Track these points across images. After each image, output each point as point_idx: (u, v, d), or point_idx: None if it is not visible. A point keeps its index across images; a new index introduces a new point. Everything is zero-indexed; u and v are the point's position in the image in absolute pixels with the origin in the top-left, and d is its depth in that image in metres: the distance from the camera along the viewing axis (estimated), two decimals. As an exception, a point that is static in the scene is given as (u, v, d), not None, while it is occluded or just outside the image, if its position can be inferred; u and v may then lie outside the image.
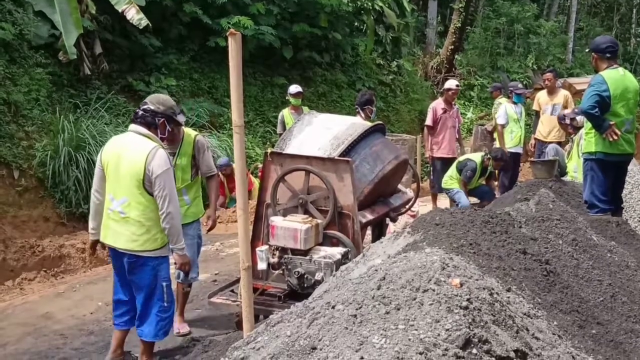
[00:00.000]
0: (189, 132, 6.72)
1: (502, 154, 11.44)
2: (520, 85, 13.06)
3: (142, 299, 5.75)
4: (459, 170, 11.23)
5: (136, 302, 5.85)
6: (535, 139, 12.66)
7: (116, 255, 5.73)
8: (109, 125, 12.30)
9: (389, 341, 2.78)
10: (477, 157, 11.39)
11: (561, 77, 18.43)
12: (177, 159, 6.51)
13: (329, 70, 19.38)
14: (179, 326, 6.86)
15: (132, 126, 5.67)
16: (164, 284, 5.73)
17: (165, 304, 5.79)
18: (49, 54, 12.66)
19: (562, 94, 12.37)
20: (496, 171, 11.87)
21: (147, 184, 5.45)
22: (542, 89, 13.56)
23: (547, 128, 12.21)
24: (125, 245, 5.57)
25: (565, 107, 11.88)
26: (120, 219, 5.55)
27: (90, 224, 5.95)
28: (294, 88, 12.45)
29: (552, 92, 12.37)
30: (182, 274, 6.24)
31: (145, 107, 5.68)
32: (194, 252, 6.78)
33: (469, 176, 11.10)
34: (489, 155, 11.35)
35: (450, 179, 11.37)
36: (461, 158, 11.62)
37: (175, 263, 5.91)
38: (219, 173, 12.67)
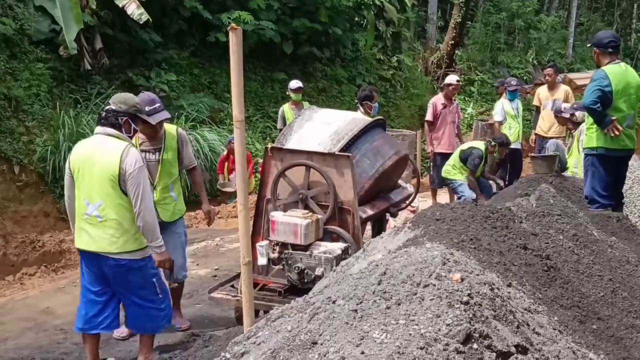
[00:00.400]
0: (169, 126, 6.72)
1: (506, 139, 11.38)
2: (513, 82, 13.02)
3: (135, 301, 5.70)
4: (463, 160, 10.98)
5: (124, 303, 5.80)
6: (535, 134, 12.66)
7: (90, 259, 5.62)
8: (109, 120, 12.29)
9: (389, 336, 2.78)
10: (481, 144, 11.14)
11: (561, 73, 18.43)
12: (163, 153, 6.50)
13: (329, 66, 19.37)
14: (179, 321, 6.86)
15: (99, 128, 5.60)
16: (154, 279, 5.68)
17: (160, 296, 5.75)
18: (49, 49, 12.65)
19: (563, 89, 12.38)
20: (493, 166, 11.84)
21: (122, 184, 5.38)
22: (542, 84, 13.56)
23: (547, 123, 12.21)
24: (104, 249, 5.46)
25: (565, 102, 11.87)
26: (98, 222, 5.45)
27: (73, 230, 5.85)
28: (295, 83, 12.44)
29: (552, 87, 12.38)
30: (168, 272, 6.20)
31: (107, 107, 5.63)
32: (183, 250, 6.78)
33: (477, 164, 10.83)
34: (493, 142, 11.19)
35: (453, 168, 11.13)
36: (464, 146, 11.37)
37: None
38: (226, 148, 12.72)
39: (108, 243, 5.45)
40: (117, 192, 5.40)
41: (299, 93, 12.33)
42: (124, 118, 5.59)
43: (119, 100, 5.65)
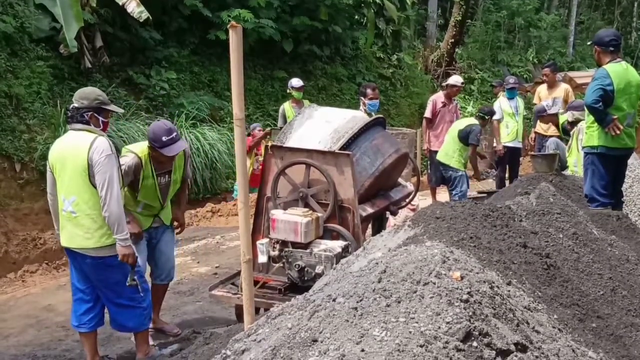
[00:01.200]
0: None
1: (491, 109, 11.59)
2: (512, 80, 13.04)
3: (116, 298, 5.70)
4: (463, 138, 10.87)
5: (107, 302, 5.79)
6: (535, 132, 12.67)
7: (74, 257, 5.65)
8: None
9: (389, 334, 2.79)
10: (474, 120, 11.16)
11: (561, 71, 18.42)
12: (173, 175, 6.51)
13: (329, 64, 19.37)
14: (167, 328, 6.84)
15: (69, 126, 5.63)
16: (135, 277, 5.66)
17: (141, 294, 5.75)
18: (49, 47, 12.66)
19: (563, 88, 12.38)
20: (493, 162, 11.87)
21: (92, 177, 5.37)
22: (542, 82, 13.57)
23: (547, 122, 12.22)
24: (81, 244, 5.48)
25: (565, 101, 11.89)
26: (73, 218, 5.47)
27: (56, 228, 5.89)
28: (297, 81, 12.44)
29: (552, 86, 12.39)
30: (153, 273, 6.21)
31: (72, 105, 5.60)
32: (172, 251, 6.83)
33: (479, 139, 10.88)
34: (482, 114, 11.23)
35: (452, 150, 11.02)
36: (459, 126, 11.16)
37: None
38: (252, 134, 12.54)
39: (83, 239, 5.46)
40: (88, 185, 5.40)
41: (300, 91, 12.34)
42: (89, 113, 5.53)
43: (80, 96, 5.60)
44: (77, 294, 5.83)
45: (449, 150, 11.12)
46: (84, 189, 5.41)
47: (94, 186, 5.38)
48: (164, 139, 6.09)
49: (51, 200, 5.80)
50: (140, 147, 6.26)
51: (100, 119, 5.60)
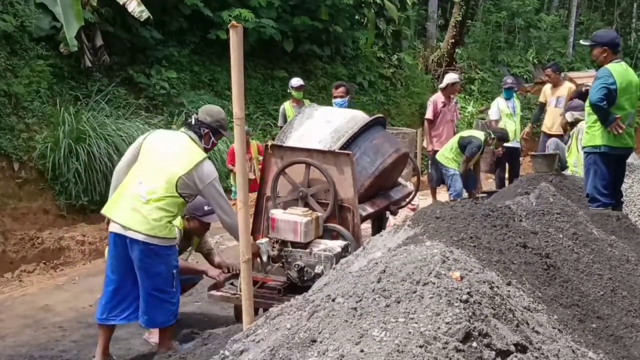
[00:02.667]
0: None
1: (506, 134, 11.54)
2: (509, 80, 13.06)
3: (152, 289, 5.73)
4: (462, 146, 11.02)
5: (141, 289, 5.78)
6: (542, 131, 12.68)
7: (121, 240, 5.66)
8: (109, 118, 12.28)
9: (389, 334, 2.78)
10: (481, 134, 11.24)
11: (562, 72, 18.42)
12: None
13: (329, 64, 19.35)
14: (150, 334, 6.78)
15: (184, 129, 5.90)
16: (174, 271, 5.78)
17: (174, 290, 5.84)
18: (50, 46, 12.62)
19: (566, 87, 12.37)
20: (491, 164, 11.91)
21: (181, 183, 5.57)
22: (543, 83, 13.61)
23: (551, 120, 12.26)
24: (136, 227, 5.54)
25: (570, 99, 11.90)
26: (140, 201, 5.57)
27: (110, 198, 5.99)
28: (297, 81, 12.43)
29: (556, 85, 12.40)
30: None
31: (195, 116, 5.91)
32: None
33: (474, 152, 10.89)
34: (493, 136, 11.28)
35: (450, 152, 11.17)
36: (464, 133, 11.45)
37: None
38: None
39: (139, 222, 5.55)
40: (173, 188, 5.58)
41: (300, 91, 12.32)
42: (206, 130, 5.84)
43: (206, 111, 5.95)
44: (111, 285, 5.86)
45: (447, 152, 11.26)
46: (166, 187, 5.58)
47: (177, 190, 5.59)
48: (205, 208, 6.40)
49: (118, 175, 5.96)
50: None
51: (212, 140, 5.93)
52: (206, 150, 5.86)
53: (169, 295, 5.80)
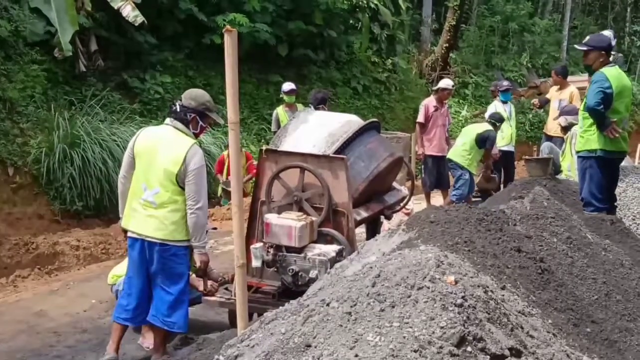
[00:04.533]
0: None
1: (500, 116, 11.97)
2: (505, 83, 13.12)
3: (176, 289, 5.76)
4: (479, 142, 11.28)
5: (164, 293, 5.79)
6: (543, 133, 12.70)
7: (139, 243, 5.69)
8: (103, 122, 12.29)
9: (383, 339, 2.78)
10: (488, 125, 11.62)
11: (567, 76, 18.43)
12: None
13: (324, 68, 19.35)
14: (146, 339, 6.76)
15: (168, 120, 5.77)
16: (190, 272, 5.85)
17: (187, 288, 5.90)
18: (44, 50, 12.62)
19: (569, 90, 12.33)
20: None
21: (180, 179, 5.53)
22: (537, 87, 13.63)
23: (553, 122, 12.27)
24: (153, 234, 5.58)
25: (571, 103, 11.90)
26: (152, 208, 5.59)
27: (120, 211, 5.97)
28: (287, 86, 12.45)
29: (562, 87, 12.39)
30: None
31: (179, 102, 5.77)
32: None
33: (493, 143, 11.34)
34: (493, 121, 11.69)
35: (467, 151, 11.38)
36: (478, 129, 11.60)
37: None
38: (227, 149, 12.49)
39: (155, 228, 5.58)
40: (175, 185, 5.57)
41: (292, 95, 12.32)
42: (192, 115, 5.72)
43: (190, 96, 5.81)
44: (133, 287, 5.86)
45: (462, 151, 11.41)
46: (169, 185, 5.57)
47: (179, 186, 5.55)
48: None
49: (122, 183, 5.90)
50: None
51: (201, 123, 5.81)
52: (196, 135, 5.80)
53: (185, 297, 5.88)
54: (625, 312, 4.59)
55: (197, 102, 5.75)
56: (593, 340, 4.07)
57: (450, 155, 11.60)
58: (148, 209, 5.60)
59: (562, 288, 4.38)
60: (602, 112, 7.15)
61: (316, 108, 10.07)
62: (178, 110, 5.70)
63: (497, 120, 11.73)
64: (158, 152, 5.60)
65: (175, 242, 5.63)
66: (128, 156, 5.82)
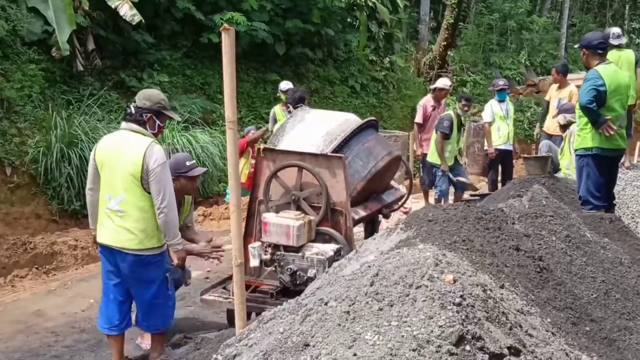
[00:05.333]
0: None
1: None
2: (501, 82, 13.09)
3: (148, 295, 5.71)
4: (436, 128, 11.20)
5: (137, 299, 5.80)
6: (543, 131, 12.67)
7: (111, 254, 5.64)
8: (101, 122, 12.27)
9: (382, 338, 2.77)
10: (449, 111, 11.56)
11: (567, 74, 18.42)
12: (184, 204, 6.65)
13: (321, 67, 19.36)
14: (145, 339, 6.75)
15: (124, 124, 5.66)
16: (167, 274, 5.76)
17: (170, 292, 5.84)
18: (42, 50, 12.61)
19: (568, 89, 12.30)
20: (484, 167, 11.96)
21: (144, 181, 5.43)
22: (535, 85, 13.61)
23: (551, 121, 12.25)
24: (124, 244, 5.50)
25: (570, 101, 11.88)
26: (118, 217, 5.50)
27: (91, 223, 5.92)
28: (285, 85, 12.44)
29: (562, 86, 12.36)
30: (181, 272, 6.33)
31: (133, 104, 5.66)
32: None
33: (447, 126, 10.93)
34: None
35: (433, 145, 11.30)
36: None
37: None
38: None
39: (127, 239, 5.50)
40: (139, 188, 5.46)
41: (288, 94, 12.30)
42: (148, 115, 5.61)
43: (144, 96, 5.69)
44: (110, 295, 5.82)
45: (432, 147, 11.37)
46: (134, 191, 5.47)
47: (145, 189, 5.46)
48: (187, 163, 6.40)
49: (90, 195, 5.83)
50: None
51: (157, 122, 5.70)
52: (155, 134, 5.69)
53: (166, 299, 5.80)
54: (625, 311, 4.59)
55: (152, 102, 5.63)
56: (592, 338, 4.06)
57: (428, 157, 11.60)
58: (116, 219, 5.50)
59: (561, 287, 4.38)
60: (595, 109, 7.14)
61: (294, 107, 10.00)
62: (133, 112, 5.59)
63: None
64: (118, 158, 5.49)
65: (148, 250, 5.54)
66: (91, 167, 5.72)
